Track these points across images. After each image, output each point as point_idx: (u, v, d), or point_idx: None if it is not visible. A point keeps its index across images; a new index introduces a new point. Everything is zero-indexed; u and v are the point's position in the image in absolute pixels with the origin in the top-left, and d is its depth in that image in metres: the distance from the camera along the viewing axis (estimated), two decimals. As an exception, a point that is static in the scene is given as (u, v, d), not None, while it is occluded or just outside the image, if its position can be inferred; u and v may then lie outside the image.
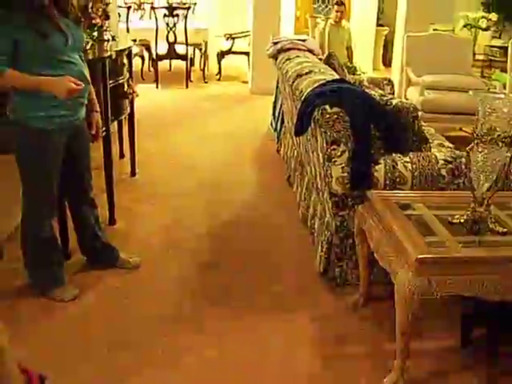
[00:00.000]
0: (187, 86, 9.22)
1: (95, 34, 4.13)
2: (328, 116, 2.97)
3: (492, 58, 10.60)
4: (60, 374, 2.49)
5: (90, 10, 4.06)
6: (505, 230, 2.49)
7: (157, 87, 9.06)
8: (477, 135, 2.44)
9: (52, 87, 2.74)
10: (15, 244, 3.22)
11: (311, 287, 3.28)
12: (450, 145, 3.87)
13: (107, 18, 4.38)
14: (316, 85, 3.34)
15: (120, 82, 4.16)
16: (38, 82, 2.74)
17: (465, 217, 2.53)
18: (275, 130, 6.14)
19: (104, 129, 3.70)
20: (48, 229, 3.09)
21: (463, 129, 6.48)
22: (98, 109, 3.29)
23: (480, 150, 2.44)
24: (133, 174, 5.04)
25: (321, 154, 3.15)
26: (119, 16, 8.99)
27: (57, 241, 3.22)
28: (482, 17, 10.57)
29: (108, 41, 4.23)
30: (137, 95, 4.56)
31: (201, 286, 3.30)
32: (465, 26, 10.76)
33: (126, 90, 4.28)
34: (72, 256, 3.52)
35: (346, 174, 3.00)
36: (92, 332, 2.85)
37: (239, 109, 7.97)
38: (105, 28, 4.28)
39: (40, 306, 3.03)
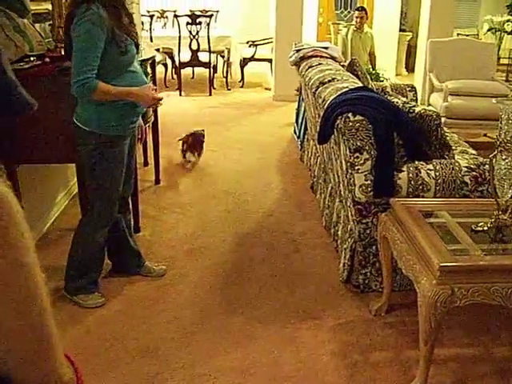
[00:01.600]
0: (210, 94, 9.27)
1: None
2: (351, 124, 2.98)
3: (517, 62, 10.52)
4: (87, 379, 2.53)
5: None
6: (529, 237, 2.49)
7: (180, 95, 9.12)
8: (500, 143, 2.44)
9: (139, 97, 2.95)
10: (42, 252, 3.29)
11: (335, 294, 3.29)
12: (474, 151, 3.87)
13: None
14: (339, 93, 3.35)
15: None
16: (126, 92, 2.90)
17: (488, 224, 2.53)
18: (298, 137, 6.16)
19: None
20: (102, 236, 3.17)
21: (487, 135, 6.45)
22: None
23: (504, 157, 2.45)
24: (157, 181, 5.09)
25: (344, 162, 3.16)
26: (142, 25, 9.09)
27: (104, 247, 3.28)
28: (508, 20, 10.49)
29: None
30: (161, 104, 4.60)
31: (225, 293, 3.33)
32: (489, 30, 10.70)
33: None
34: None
35: (369, 182, 3.01)
36: (117, 339, 2.89)
37: (262, 116, 7.99)
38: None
39: (67, 312, 3.08)
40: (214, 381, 2.59)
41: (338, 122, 3.06)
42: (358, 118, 2.98)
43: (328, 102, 3.34)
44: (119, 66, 2.86)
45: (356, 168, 3.03)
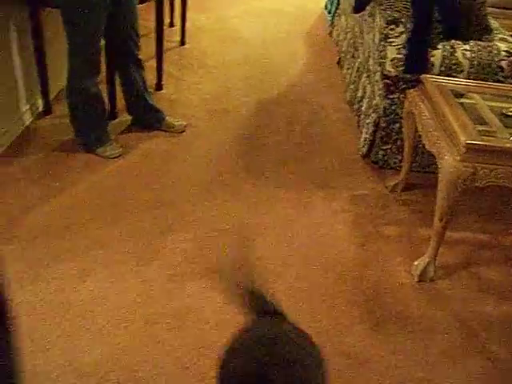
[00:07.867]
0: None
1: None
2: (390, -7, 2.86)
3: None
4: (97, 223, 2.59)
5: None
6: (559, 126, 2.43)
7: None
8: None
9: None
10: (62, 103, 3.30)
11: (352, 167, 3.29)
12: (514, 40, 3.72)
13: None
14: (381, -39, 3.19)
15: None
16: None
17: (520, 110, 2.47)
18: (329, 12, 5.95)
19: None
20: (93, 85, 3.10)
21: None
22: None
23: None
24: (182, 43, 4.98)
25: (377, 34, 3.05)
26: None
27: (101, 98, 3.21)
28: None
29: None
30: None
31: (243, 154, 3.33)
32: None
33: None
34: (118, 117, 3.55)
35: (401, 56, 2.91)
36: (133, 189, 2.92)
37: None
38: None
39: (84, 161, 3.09)
40: (222, 238, 2.63)
41: (377, -10, 2.94)
42: (399, -13, 2.86)
43: (369, -31, 3.19)
44: None
45: (389, 40, 2.92)
